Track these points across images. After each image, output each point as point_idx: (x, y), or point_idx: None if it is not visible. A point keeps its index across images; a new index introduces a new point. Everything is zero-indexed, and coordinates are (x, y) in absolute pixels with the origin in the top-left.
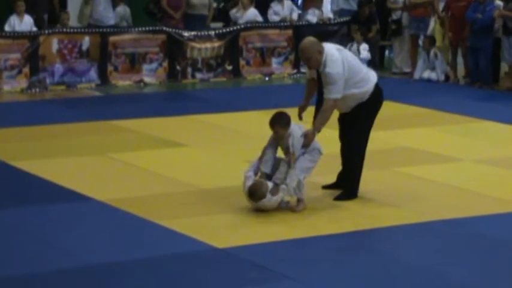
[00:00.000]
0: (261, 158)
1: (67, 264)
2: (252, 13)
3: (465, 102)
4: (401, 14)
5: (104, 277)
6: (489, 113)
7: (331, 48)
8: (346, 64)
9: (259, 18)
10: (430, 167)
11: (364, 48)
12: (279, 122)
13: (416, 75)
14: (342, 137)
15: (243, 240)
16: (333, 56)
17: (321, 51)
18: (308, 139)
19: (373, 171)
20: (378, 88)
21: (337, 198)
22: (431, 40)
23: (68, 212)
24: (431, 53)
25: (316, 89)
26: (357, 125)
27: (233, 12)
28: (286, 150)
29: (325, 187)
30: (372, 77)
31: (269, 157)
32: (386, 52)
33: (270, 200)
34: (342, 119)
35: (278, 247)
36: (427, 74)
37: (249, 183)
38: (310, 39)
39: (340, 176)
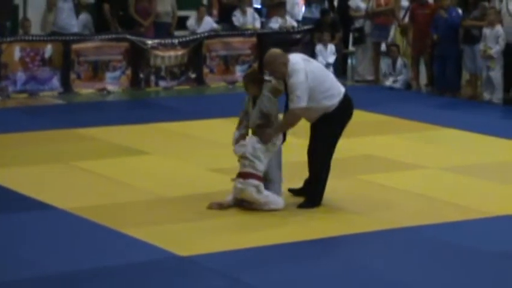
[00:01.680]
0: (238, 128)
1: (27, 274)
2: (208, 22)
3: (428, 110)
4: (363, 22)
5: (65, 286)
6: (451, 120)
7: (296, 57)
8: (311, 74)
9: (215, 26)
10: (393, 174)
11: (331, 52)
12: (247, 77)
13: (386, 82)
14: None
15: (206, 248)
16: (296, 65)
17: (285, 63)
18: (265, 138)
19: (337, 179)
20: (346, 99)
21: (301, 206)
22: (399, 48)
23: (29, 220)
24: (399, 60)
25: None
26: (324, 134)
27: (190, 22)
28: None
29: (291, 190)
30: (340, 87)
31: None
32: (349, 60)
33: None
34: (310, 129)
35: (242, 255)
36: (389, 82)
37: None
38: (274, 52)
39: (307, 182)
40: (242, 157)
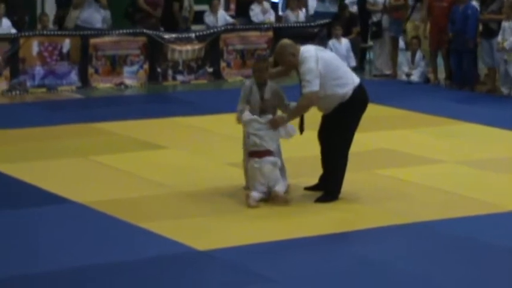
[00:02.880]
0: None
1: (44, 267)
2: (223, 16)
3: (445, 104)
4: (381, 16)
5: (82, 280)
6: (469, 115)
7: (308, 47)
8: (321, 61)
9: (230, 20)
10: (411, 168)
11: (346, 47)
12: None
13: (402, 76)
14: (323, 138)
15: (224, 242)
16: (306, 53)
17: (294, 53)
18: (275, 123)
19: (354, 173)
20: (361, 89)
21: (318, 200)
22: (418, 41)
23: (47, 214)
24: (418, 53)
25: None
26: (340, 126)
27: (208, 16)
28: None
29: (307, 188)
30: (354, 77)
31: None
32: (367, 54)
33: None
34: (325, 121)
35: (259, 249)
36: (406, 76)
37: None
38: (283, 43)
39: (322, 178)
40: (252, 134)
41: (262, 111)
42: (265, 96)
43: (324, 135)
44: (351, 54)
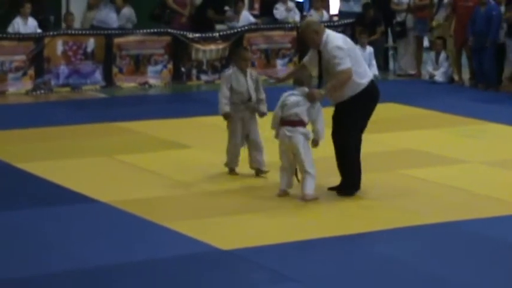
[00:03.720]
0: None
1: (70, 266)
2: (246, 16)
3: (469, 104)
4: (405, 15)
5: (107, 279)
6: (494, 115)
7: (335, 33)
8: (349, 44)
9: (252, 20)
10: (435, 169)
11: (370, 55)
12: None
13: (426, 76)
14: (336, 136)
15: (248, 242)
16: (335, 35)
17: (317, 31)
18: (313, 96)
19: (378, 173)
20: (373, 84)
21: (340, 193)
22: (443, 41)
23: (72, 213)
24: (442, 54)
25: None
26: (352, 119)
27: (229, 12)
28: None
29: (331, 189)
30: (369, 72)
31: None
32: (392, 54)
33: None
34: (336, 117)
35: (283, 249)
36: (430, 76)
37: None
38: (308, 20)
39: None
40: (287, 104)
41: (249, 100)
42: (248, 83)
43: (337, 131)
44: (373, 62)
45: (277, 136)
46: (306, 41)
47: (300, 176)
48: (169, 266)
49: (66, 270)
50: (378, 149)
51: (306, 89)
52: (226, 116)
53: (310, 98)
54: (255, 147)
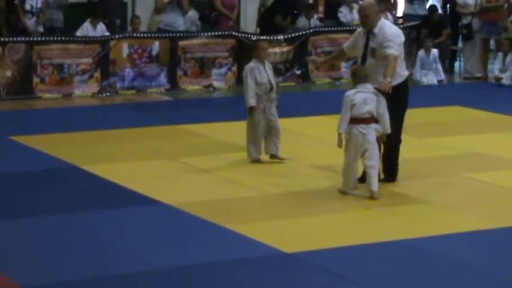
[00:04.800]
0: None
1: (134, 267)
2: (315, 21)
3: None
4: (471, 18)
5: (170, 281)
6: None
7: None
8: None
9: (317, 23)
10: (501, 172)
11: (435, 61)
12: None
13: (492, 79)
14: None
15: (312, 245)
16: (391, 24)
17: (378, 13)
18: (386, 86)
19: (443, 177)
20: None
21: (388, 180)
22: (510, 43)
23: (136, 215)
24: (509, 56)
25: (339, 60)
26: (395, 111)
27: (301, 20)
28: None
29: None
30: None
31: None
32: (458, 57)
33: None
34: None
35: (346, 252)
36: (499, 80)
37: None
38: (371, 1)
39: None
40: (358, 103)
41: (271, 89)
42: (268, 73)
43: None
44: (439, 66)
45: (339, 140)
46: (366, 17)
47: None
48: (233, 268)
49: (130, 272)
50: (443, 152)
51: (370, 85)
52: (252, 109)
53: (385, 88)
54: (275, 135)
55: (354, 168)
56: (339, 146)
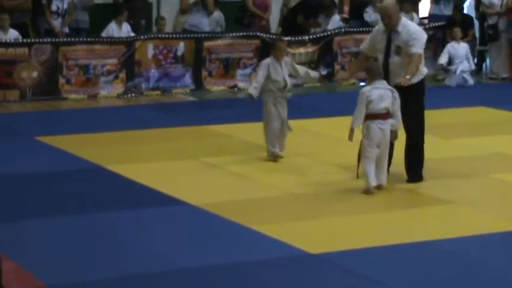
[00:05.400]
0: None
1: (158, 267)
2: (336, 21)
3: None
4: (497, 18)
5: (193, 281)
6: None
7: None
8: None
9: (341, 24)
10: None
11: (467, 52)
12: None
13: None
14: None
15: (336, 246)
16: (412, 22)
17: (399, 11)
18: (405, 81)
19: (469, 177)
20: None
21: (411, 180)
22: None
23: (161, 215)
24: None
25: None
26: (415, 108)
27: (321, 17)
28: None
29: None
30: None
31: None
32: (484, 57)
33: None
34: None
35: (372, 253)
36: None
37: None
38: (392, 1)
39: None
40: (375, 100)
41: (285, 87)
42: (284, 71)
43: (405, 118)
44: (470, 57)
45: (351, 134)
46: (389, 18)
47: (360, 169)
48: (257, 269)
49: (152, 271)
50: (469, 153)
51: (385, 82)
52: (251, 98)
53: (403, 83)
54: (283, 132)
55: (374, 164)
56: (350, 139)
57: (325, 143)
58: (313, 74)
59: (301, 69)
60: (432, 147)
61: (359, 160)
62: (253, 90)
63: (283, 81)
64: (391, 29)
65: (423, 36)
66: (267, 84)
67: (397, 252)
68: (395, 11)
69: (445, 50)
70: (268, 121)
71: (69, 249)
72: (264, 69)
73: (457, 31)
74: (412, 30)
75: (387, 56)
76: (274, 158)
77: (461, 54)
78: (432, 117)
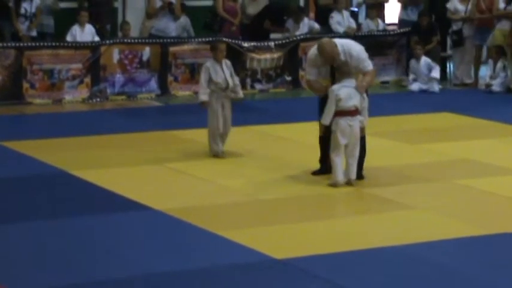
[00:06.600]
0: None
1: (123, 273)
2: (306, 23)
3: None
4: (462, 24)
5: (159, 286)
6: None
7: (342, 39)
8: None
9: (316, 26)
10: (491, 179)
11: (430, 66)
12: None
13: (482, 86)
14: None
15: (301, 251)
16: (348, 41)
17: (336, 45)
18: (363, 87)
19: (434, 183)
20: None
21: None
22: (500, 50)
23: (125, 221)
24: (499, 63)
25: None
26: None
27: (288, 24)
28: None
29: (315, 173)
30: None
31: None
32: (448, 64)
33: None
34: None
35: (338, 258)
36: (489, 86)
37: None
38: (325, 42)
39: (321, 160)
40: (343, 98)
41: (227, 87)
42: (225, 72)
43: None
44: (433, 65)
45: (323, 130)
46: (333, 60)
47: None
48: (222, 275)
49: (120, 278)
50: (433, 158)
51: (354, 80)
52: (204, 104)
53: (362, 89)
54: (225, 131)
55: (342, 159)
56: (321, 134)
57: (290, 148)
58: (240, 94)
59: (235, 81)
60: (397, 152)
61: (324, 157)
62: (203, 96)
63: (224, 82)
64: (330, 64)
65: (362, 48)
66: (210, 86)
67: (362, 257)
68: (333, 49)
69: (410, 69)
70: (212, 120)
71: (34, 254)
72: (205, 73)
73: (419, 48)
74: (355, 54)
75: (333, 75)
76: (217, 155)
77: (423, 71)
78: (396, 123)
